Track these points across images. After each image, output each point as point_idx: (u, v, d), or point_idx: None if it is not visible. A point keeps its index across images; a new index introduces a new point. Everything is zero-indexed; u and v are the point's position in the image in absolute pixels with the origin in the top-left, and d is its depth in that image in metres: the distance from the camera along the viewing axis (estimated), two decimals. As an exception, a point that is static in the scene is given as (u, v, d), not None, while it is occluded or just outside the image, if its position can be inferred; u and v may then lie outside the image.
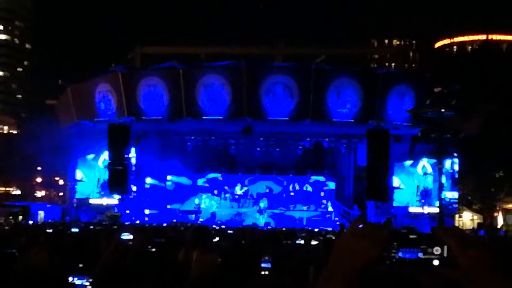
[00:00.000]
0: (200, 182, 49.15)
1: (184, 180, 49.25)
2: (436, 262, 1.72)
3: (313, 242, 12.59)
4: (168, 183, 48.95)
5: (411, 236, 1.75)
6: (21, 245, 8.63)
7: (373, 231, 1.73)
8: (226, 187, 48.79)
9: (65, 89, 46.33)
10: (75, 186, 47.38)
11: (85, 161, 47.14)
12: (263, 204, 47.91)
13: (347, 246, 1.73)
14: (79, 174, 47.19)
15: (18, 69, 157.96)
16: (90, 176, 46.86)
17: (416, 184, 44.99)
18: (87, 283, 6.41)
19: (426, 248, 1.73)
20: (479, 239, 1.76)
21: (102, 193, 45.86)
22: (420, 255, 1.73)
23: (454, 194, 44.49)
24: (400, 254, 1.73)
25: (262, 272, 6.89)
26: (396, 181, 44.75)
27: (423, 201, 44.38)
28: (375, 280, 1.81)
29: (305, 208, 47.71)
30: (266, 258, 7.14)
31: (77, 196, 47.17)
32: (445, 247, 1.71)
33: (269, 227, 37.21)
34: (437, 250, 1.72)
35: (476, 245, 1.68)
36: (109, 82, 42.59)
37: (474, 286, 1.66)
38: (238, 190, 48.70)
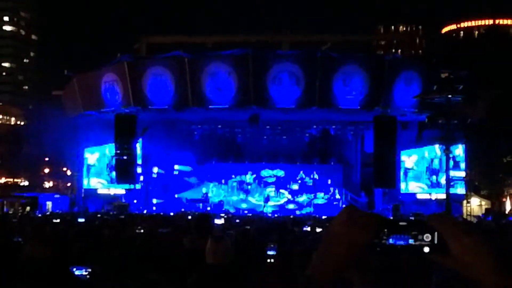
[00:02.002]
0: (206, 170, 49.14)
1: (188, 169, 49.35)
2: (426, 249, 1.72)
3: (318, 230, 12.61)
4: (175, 172, 49.00)
5: (401, 223, 1.75)
6: (26, 235, 8.68)
7: (363, 218, 1.73)
8: (233, 176, 48.80)
9: (71, 80, 46.38)
10: (87, 170, 47.48)
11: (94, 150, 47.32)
12: (270, 192, 47.92)
13: (337, 232, 1.73)
14: (90, 159, 47.31)
15: (25, 60, 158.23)
16: (100, 162, 47.03)
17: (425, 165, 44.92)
18: (86, 273, 6.44)
19: (416, 234, 1.73)
20: (471, 226, 1.76)
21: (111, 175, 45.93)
22: (411, 241, 1.73)
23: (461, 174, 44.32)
24: (390, 241, 1.74)
25: (268, 260, 6.92)
26: (409, 161, 44.76)
27: (433, 177, 44.24)
28: (366, 265, 1.81)
29: (312, 195, 47.68)
30: (272, 245, 7.17)
31: (86, 184, 47.33)
32: (436, 234, 1.71)
33: (276, 215, 37.25)
34: (427, 237, 1.72)
35: (469, 231, 1.68)
36: (115, 72, 42.62)
37: (466, 273, 1.66)
38: (246, 178, 48.70)
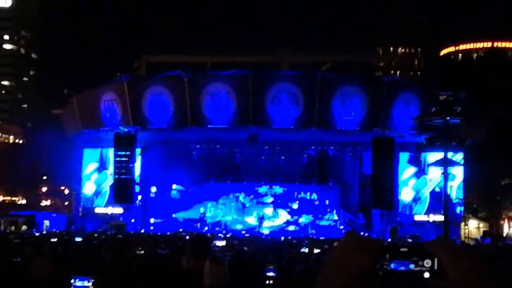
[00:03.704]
0: (205, 190, 49.04)
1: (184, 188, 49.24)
2: (427, 275, 1.75)
3: (316, 251, 12.59)
4: (173, 191, 48.91)
5: (402, 249, 1.78)
6: (25, 255, 8.67)
7: (365, 243, 1.75)
8: (231, 196, 48.71)
9: (71, 99, 46.48)
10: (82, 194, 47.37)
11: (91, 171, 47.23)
12: (268, 212, 47.80)
13: (339, 258, 1.76)
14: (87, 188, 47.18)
15: (24, 78, 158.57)
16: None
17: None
18: (89, 284, 6.44)
19: (417, 260, 1.75)
20: (469, 251, 1.79)
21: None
22: (412, 267, 1.76)
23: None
24: (392, 266, 1.76)
25: (267, 281, 6.92)
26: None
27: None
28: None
29: (309, 216, 47.56)
30: (271, 267, 7.17)
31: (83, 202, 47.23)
32: (436, 259, 1.74)
33: (273, 236, 37.15)
34: (427, 262, 1.75)
35: (467, 256, 1.70)
36: (115, 91, 42.72)
37: None
38: (243, 199, 48.61)
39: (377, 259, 1.75)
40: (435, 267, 1.73)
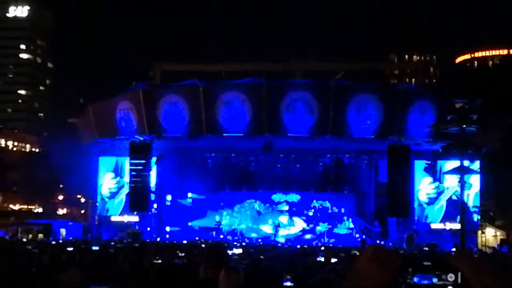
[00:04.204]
0: (220, 199, 49.04)
1: (201, 197, 49.25)
2: (450, 288, 1.74)
3: (333, 260, 12.54)
4: (188, 200, 48.93)
5: (425, 263, 1.77)
6: (43, 264, 8.71)
7: (387, 257, 1.75)
8: (246, 204, 48.69)
9: (87, 108, 46.73)
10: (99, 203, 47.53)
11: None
12: (283, 220, 47.72)
13: (362, 271, 1.76)
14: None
15: (40, 87, 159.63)
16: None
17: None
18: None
19: (440, 274, 1.75)
20: (492, 265, 1.78)
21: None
22: (435, 281, 1.75)
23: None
24: (415, 280, 1.76)
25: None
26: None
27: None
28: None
29: (325, 224, 47.43)
30: (288, 277, 7.15)
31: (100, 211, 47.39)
32: (459, 273, 1.73)
33: (289, 244, 37.08)
34: (451, 276, 1.74)
35: (489, 270, 1.70)
36: (130, 100, 42.89)
37: None
38: (258, 207, 48.57)
39: (400, 273, 1.74)
40: (459, 281, 1.72)
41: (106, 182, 47.24)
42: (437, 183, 44.25)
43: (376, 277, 1.72)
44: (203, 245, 26.05)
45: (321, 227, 47.05)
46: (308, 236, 46.41)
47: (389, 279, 1.73)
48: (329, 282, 5.48)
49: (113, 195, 47.01)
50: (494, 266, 1.72)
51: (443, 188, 44.30)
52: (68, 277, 5.29)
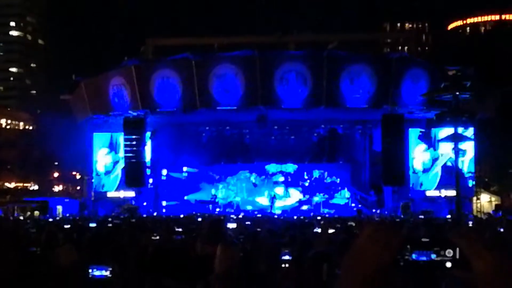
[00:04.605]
0: (215, 172, 49.11)
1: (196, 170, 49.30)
2: (448, 264, 1.75)
3: (330, 231, 12.60)
4: (184, 174, 48.99)
5: (423, 239, 1.78)
6: (41, 243, 8.73)
7: (387, 235, 1.76)
8: (242, 176, 48.83)
9: (79, 84, 46.54)
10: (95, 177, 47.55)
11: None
12: (279, 192, 47.90)
13: (361, 249, 1.76)
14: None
15: (32, 65, 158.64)
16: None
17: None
18: (107, 273, 6.47)
19: (439, 250, 1.76)
20: (495, 242, 1.78)
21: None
22: (433, 257, 1.76)
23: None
24: (413, 257, 1.77)
25: (283, 265, 6.93)
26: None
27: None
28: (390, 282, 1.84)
29: (322, 194, 47.65)
30: (286, 250, 7.18)
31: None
32: (457, 249, 1.74)
33: (285, 215, 37.27)
34: (449, 252, 1.75)
35: (492, 248, 1.70)
36: (123, 75, 42.74)
37: None
38: (254, 179, 48.71)
39: (399, 250, 1.75)
40: (457, 257, 1.73)
41: (101, 158, 47.25)
42: (431, 150, 44.41)
43: (375, 256, 1.73)
44: (199, 219, 26.13)
45: (317, 198, 47.27)
46: (305, 207, 46.64)
47: (388, 257, 1.73)
48: (326, 254, 5.51)
49: (108, 171, 47.03)
50: (499, 244, 1.72)
51: (438, 155, 44.47)
52: (64, 254, 5.30)
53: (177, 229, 12.05)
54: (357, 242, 1.78)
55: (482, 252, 1.69)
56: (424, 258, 1.76)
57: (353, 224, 14.26)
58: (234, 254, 5.86)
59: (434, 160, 44.63)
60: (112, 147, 46.92)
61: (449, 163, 43.85)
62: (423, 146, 44.55)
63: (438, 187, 44.32)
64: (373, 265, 1.73)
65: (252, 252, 8.22)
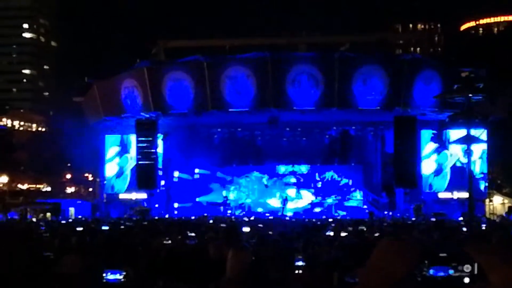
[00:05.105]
0: (227, 174, 49.09)
1: (208, 172, 49.27)
2: (466, 280, 1.74)
3: (343, 234, 12.59)
4: (196, 176, 49.02)
5: (441, 254, 1.77)
6: (55, 248, 8.76)
7: (404, 249, 1.74)
8: (253, 178, 48.79)
9: (91, 86, 46.70)
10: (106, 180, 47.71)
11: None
12: (291, 193, 47.83)
13: (379, 263, 1.75)
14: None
15: (45, 67, 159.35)
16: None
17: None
18: (121, 277, 6.49)
19: (456, 265, 1.75)
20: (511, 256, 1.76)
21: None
22: (451, 272, 1.75)
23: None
24: (431, 272, 1.76)
25: (296, 271, 6.91)
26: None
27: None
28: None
29: (334, 196, 47.54)
30: (300, 256, 7.15)
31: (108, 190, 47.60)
32: (476, 264, 1.72)
33: (297, 218, 37.21)
34: (467, 267, 1.74)
35: (509, 261, 1.68)
36: (135, 77, 42.85)
37: None
38: (266, 181, 48.66)
39: (416, 265, 1.74)
40: (475, 272, 1.72)
41: (112, 160, 47.41)
42: (441, 152, 44.28)
43: (392, 270, 1.71)
44: (211, 221, 26.17)
45: (330, 200, 47.18)
46: (317, 209, 46.50)
47: (406, 272, 1.71)
48: (337, 262, 5.49)
49: (119, 172, 47.17)
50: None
51: (447, 156, 44.32)
52: (69, 264, 5.31)
53: (189, 234, 12.05)
54: (374, 256, 1.77)
55: (499, 266, 1.67)
56: (442, 274, 1.76)
57: (364, 229, 14.21)
58: (245, 258, 5.85)
59: (441, 165, 44.54)
60: (123, 146, 47.05)
61: (458, 163, 43.74)
62: (434, 145, 44.40)
63: (450, 189, 44.13)
64: (390, 280, 1.72)
65: (264, 256, 8.21)
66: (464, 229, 22.39)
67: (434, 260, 1.55)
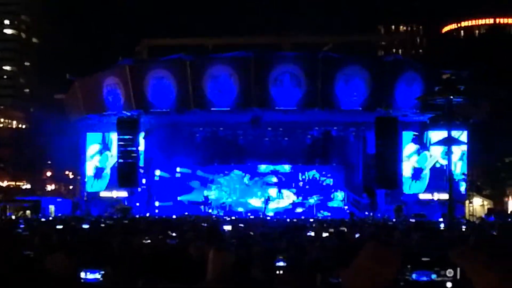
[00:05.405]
0: (208, 173, 49.00)
1: (189, 171, 49.13)
2: (449, 285, 1.75)
3: (324, 234, 12.61)
4: (177, 174, 48.88)
5: (424, 259, 1.77)
6: (35, 247, 8.69)
7: (387, 253, 1.75)
8: (235, 177, 48.74)
9: (73, 83, 46.47)
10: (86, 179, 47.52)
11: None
12: (272, 193, 47.84)
13: (362, 268, 1.75)
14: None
15: (26, 63, 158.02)
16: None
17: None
18: (99, 276, 6.45)
19: (439, 270, 1.75)
20: (495, 261, 1.77)
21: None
22: (434, 277, 1.76)
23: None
24: (414, 276, 1.76)
25: (277, 271, 6.90)
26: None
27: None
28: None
29: (315, 197, 47.62)
30: (281, 257, 7.14)
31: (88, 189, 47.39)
32: (458, 269, 1.73)
33: (278, 218, 37.25)
34: (450, 272, 1.75)
35: (493, 267, 1.69)
36: (117, 75, 42.69)
37: None
38: (247, 180, 48.64)
39: (399, 270, 1.74)
40: (458, 277, 1.73)
41: (93, 158, 47.23)
42: (421, 153, 44.54)
43: (375, 275, 1.72)
44: (192, 219, 26.12)
45: (310, 200, 47.23)
46: (299, 210, 46.52)
47: (389, 276, 1.72)
48: (319, 263, 5.50)
49: (99, 173, 47.01)
50: (500, 263, 1.71)
51: (427, 158, 44.60)
52: (55, 263, 5.27)
53: (170, 233, 12.02)
54: (358, 260, 1.77)
55: (482, 271, 1.68)
56: (424, 278, 1.76)
57: (345, 230, 14.25)
58: (227, 259, 5.81)
59: (420, 168, 44.84)
60: (104, 144, 46.87)
61: (438, 164, 44.04)
62: (414, 146, 44.65)
63: (430, 190, 44.39)
64: (375, 283, 1.72)
65: (245, 256, 8.19)
66: (442, 228, 22.57)
67: (417, 264, 1.55)
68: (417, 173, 44.85)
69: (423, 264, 1.55)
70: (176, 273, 6.76)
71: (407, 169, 44.71)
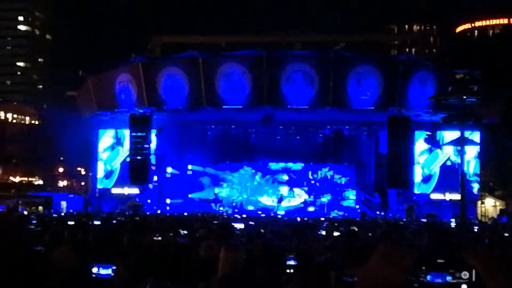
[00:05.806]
0: (220, 170, 48.98)
1: (201, 169, 49.11)
2: (464, 287, 1.71)
3: (335, 234, 12.56)
4: (189, 172, 48.90)
5: (439, 261, 1.74)
6: (46, 242, 8.71)
7: (399, 256, 1.72)
8: (246, 175, 48.69)
9: (86, 80, 46.59)
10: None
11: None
12: (283, 191, 47.75)
13: (374, 271, 1.72)
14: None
15: (39, 60, 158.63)
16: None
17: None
18: (111, 272, 6.46)
19: (454, 272, 1.72)
20: (509, 262, 1.74)
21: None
22: (449, 279, 1.73)
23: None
24: (428, 278, 1.73)
25: (288, 270, 6.87)
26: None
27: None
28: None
29: (327, 195, 47.49)
30: (291, 255, 7.11)
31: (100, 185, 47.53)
32: (473, 271, 1.70)
33: (289, 216, 37.20)
34: (465, 274, 1.72)
35: (506, 269, 1.66)
36: (130, 72, 42.75)
37: None
38: (259, 178, 48.57)
39: (411, 271, 1.71)
40: (473, 279, 1.69)
41: (105, 152, 47.38)
42: (433, 152, 44.35)
43: (388, 277, 1.69)
44: (202, 217, 26.11)
45: (322, 199, 47.10)
46: (311, 209, 46.38)
47: (401, 278, 1.69)
48: (333, 261, 5.46)
49: (110, 173, 47.16)
50: (510, 267, 1.68)
51: (438, 156, 44.38)
52: (60, 256, 5.27)
53: (181, 231, 12.01)
54: (370, 262, 1.74)
55: (496, 273, 1.65)
56: (439, 280, 1.73)
57: (356, 229, 14.19)
58: (238, 257, 5.80)
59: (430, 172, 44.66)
60: (118, 141, 46.96)
61: (449, 162, 43.84)
62: (425, 145, 44.46)
63: (441, 190, 44.16)
64: (386, 286, 1.69)
65: (256, 254, 8.17)
66: (454, 229, 22.45)
67: (431, 266, 1.53)
68: (426, 178, 44.59)
69: (438, 266, 1.53)
70: (185, 271, 6.74)
71: (418, 174, 44.44)
